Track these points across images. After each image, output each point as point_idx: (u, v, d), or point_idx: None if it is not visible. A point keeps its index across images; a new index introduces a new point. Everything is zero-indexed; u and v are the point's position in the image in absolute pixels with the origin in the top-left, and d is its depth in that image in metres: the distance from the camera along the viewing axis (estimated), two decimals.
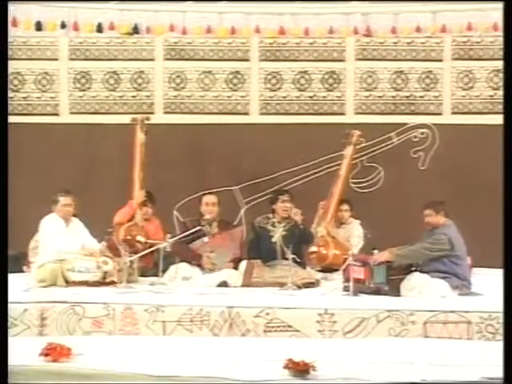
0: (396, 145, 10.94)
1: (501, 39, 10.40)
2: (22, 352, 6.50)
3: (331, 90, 11.13)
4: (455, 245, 8.21)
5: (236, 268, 8.96)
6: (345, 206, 9.70)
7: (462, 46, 11.02)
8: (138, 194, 9.54)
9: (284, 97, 11.14)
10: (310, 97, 11.13)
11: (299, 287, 8.38)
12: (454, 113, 11.04)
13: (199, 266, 8.90)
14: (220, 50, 11.14)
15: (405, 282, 8.09)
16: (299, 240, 8.93)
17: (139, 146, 9.84)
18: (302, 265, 8.90)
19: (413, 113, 11.06)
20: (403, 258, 8.16)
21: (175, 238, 8.79)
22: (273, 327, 7.45)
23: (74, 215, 8.97)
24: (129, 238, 9.05)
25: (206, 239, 9.05)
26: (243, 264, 8.91)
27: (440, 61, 11.05)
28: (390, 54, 11.09)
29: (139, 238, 9.08)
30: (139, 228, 9.29)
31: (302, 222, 9.06)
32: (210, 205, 9.21)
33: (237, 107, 11.15)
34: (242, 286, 8.67)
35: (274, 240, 8.83)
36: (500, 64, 10.38)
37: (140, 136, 9.89)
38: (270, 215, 9.19)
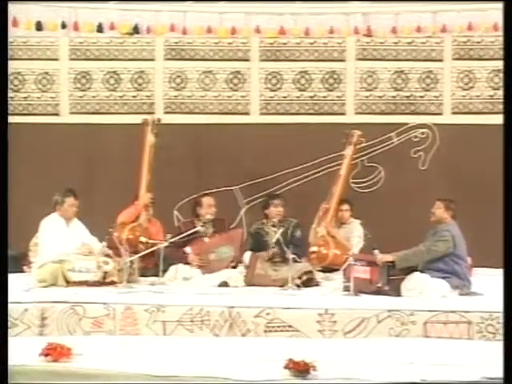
0: (396, 145, 10.95)
1: (501, 39, 10.40)
2: (23, 352, 6.50)
3: (331, 90, 11.13)
4: (457, 243, 8.23)
5: (236, 267, 9.00)
6: (345, 206, 9.71)
7: (462, 45, 11.02)
8: (145, 196, 9.53)
9: (284, 97, 11.14)
10: (311, 97, 11.13)
11: (298, 286, 8.40)
12: (454, 113, 11.04)
13: (187, 264, 8.91)
14: (220, 49, 11.14)
15: (405, 282, 8.09)
16: (288, 241, 8.92)
17: (148, 148, 9.82)
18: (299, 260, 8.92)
19: (413, 113, 11.06)
20: (405, 262, 8.16)
21: (173, 239, 8.80)
22: (273, 327, 7.45)
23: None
24: (131, 237, 9.06)
25: (206, 239, 9.07)
26: (247, 255, 8.96)
27: (440, 61, 11.05)
28: (390, 54, 11.10)
29: (142, 238, 9.09)
30: (143, 229, 9.30)
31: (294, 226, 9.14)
32: (211, 206, 9.22)
33: (237, 107, 11.15)
34: (246, 277, 8.72)
35: (273, 241, 8.87)
36: (500, 64, 10.37)
37: (150, 138, 9.87)
38: (264, 221, 9.23)
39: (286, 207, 9.26)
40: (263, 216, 9.28)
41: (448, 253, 8.18)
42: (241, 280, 8.76)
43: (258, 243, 9.15)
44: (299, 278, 8.57)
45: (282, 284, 8.45)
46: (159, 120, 10.11)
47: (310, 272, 8.74)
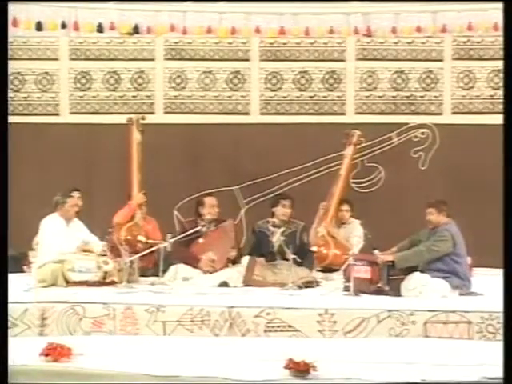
0: (396, 145, 10.90)
1: (501, 39, 10.41)
2: (23, 352, 6.50)
3: (331, 90, 11.13)
4: (457, 242, 8.23)
5: (235, 262, 8.98)
6: (345, 206, 9.70)
7: (462, 45, 11.03)
8: (137, 195, 9.53)
9: (284, 97, 11.15)
10: (311, 97, 11.13)
11: (299, 287, 8.39)
12: (454, 113, 11.05)
13: (198, 268, 8.89)
14: (220, 49, 11.15)
15: (405, 281, 8.09)
16: (297, 246, 8.90)
17: (136, 146, 9.83)
18: (302, 264, 8.88)
19: (413, 113, 11.07)
20: (405, 262, 8.16)
21: (175, 239, 8.79)
22: (273, 327, 7.45)
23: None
24: (130, 237, 9.07)
25: (201, 240, 9.05)
26: (246, 259, 8.93)
27: (440, 61, 11.06)
28: (390, 54, 11.10)
29: (140, 237, 9.09)
30: (140, 228, 9.31)
31: (302, 230, 9.11)
32: (213, 207, 9.20)
33: (237, 107, 11.15)
34: (244, 282, 8.70)
35: (274, 240, 8.84)
36: (500, 64, 10.38)
37: (136, 136, 9.88)
38: (270, 219, 9.19)
39: (293, 209, 9.22)
40: (270, 214, 9.22)
41: (448, 252, 8.18)
42: (240, 280, 8.75)
43: (261, 242, 9.11)
44: (299, 280, 8.52)
45: (282, 285, 8.42)
46: (144, 118, 10.11)
47: (311, 282, 8.70)
